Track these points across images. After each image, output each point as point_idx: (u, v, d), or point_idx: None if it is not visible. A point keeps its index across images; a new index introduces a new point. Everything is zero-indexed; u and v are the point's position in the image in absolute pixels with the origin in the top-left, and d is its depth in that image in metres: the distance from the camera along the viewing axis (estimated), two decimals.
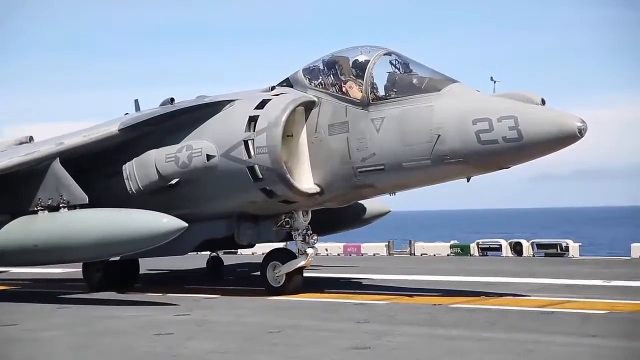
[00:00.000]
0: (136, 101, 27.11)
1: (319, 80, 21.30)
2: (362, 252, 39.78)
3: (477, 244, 37.16)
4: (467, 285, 23.42)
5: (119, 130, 22.83)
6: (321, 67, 21.52)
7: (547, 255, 34.71)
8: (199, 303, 20.91)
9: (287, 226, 22.20)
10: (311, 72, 21.61)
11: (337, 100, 20.76)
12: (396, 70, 20.55)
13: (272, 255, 22.95)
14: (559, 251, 34.61)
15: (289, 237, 23.26)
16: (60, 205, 21.98)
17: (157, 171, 21.87)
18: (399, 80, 20.34)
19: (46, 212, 22.10)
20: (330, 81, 21.15)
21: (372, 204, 26.93)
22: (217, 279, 27.67)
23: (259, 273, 22.94)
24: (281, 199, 21.30)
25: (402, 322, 16.72)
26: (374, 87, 20.45)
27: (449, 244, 38.17)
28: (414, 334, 15.29)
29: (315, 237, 22.14)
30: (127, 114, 25.10)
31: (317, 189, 21.08)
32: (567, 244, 34.87)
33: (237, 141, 21.21)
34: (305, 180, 21.08)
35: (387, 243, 40.05)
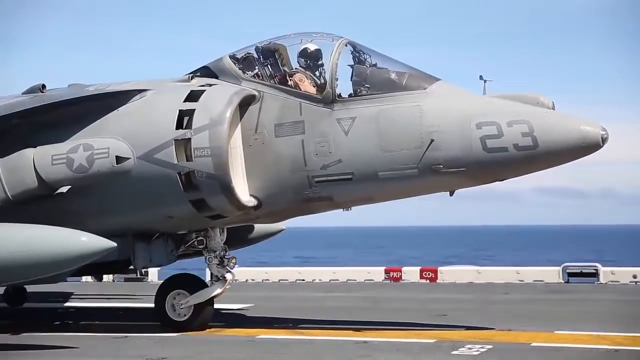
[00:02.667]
0: None
1: (256, 71, 17.73)
2: None
3: None
4: (105, 311, 22.95)
5: None
6: (256, 56, 17.92)
7: None
8: None
9: (201, 247, 18.44)
10: (244, 60, 17.88)
11: (288, 95, 17.29)
12: (360, 62, 17.52)
13: (173, 282, 18.91)
14: None
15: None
16: None
17: (38, 176, 17.17)
18: (371, 74, 17.33)
19: None
20: (271, 72, 17.66)
21: None
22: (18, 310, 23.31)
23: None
24: (213, 213, 17.37)
25: None
26: (337, 81, 17.26)
27: None
28: None
29: (234, 260, 18.61)
30: None
31: (254, 202, 17.43)
32: None
33: (165, 140, 17.03)
34: (239, 190, 17.19)
35: None
